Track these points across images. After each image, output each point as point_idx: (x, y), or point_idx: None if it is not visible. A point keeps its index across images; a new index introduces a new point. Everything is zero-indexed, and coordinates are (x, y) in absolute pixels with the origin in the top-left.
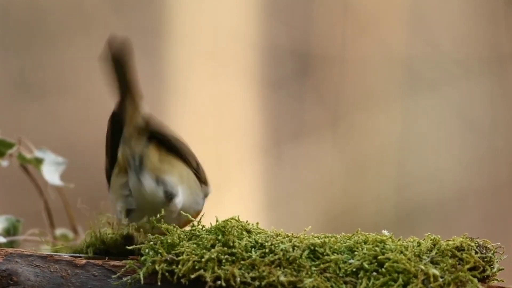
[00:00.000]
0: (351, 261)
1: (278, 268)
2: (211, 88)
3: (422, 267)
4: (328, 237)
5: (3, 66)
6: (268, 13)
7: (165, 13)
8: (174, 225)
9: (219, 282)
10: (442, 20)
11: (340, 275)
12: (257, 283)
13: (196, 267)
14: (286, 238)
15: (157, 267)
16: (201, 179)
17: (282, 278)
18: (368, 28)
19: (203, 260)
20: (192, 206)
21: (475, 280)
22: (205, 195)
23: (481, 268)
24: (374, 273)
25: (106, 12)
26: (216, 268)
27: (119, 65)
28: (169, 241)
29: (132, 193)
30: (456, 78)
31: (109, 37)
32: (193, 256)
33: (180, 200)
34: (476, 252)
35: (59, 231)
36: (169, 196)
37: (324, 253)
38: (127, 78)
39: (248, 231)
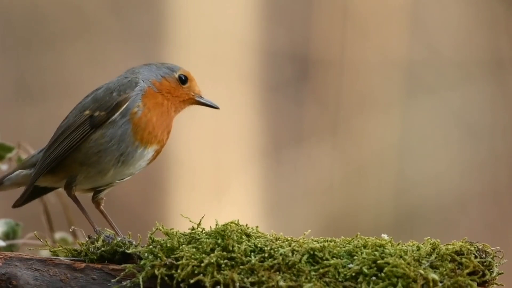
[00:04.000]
0: (350, 265)
1: (278, 272)
2: (211, 92)
3: (422, 271)
4: (327, 241)
5: (3, 69)
6: (268, 17)
7: (165, 17)
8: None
9: (218, 287)
10: (442, 24)
11: (340, 279)
12: None
13: (196, 271)
14: (286, 242)
15: (156, 272)
16: (104, 118)
17: (281, 283)
18: (367, 32)
19: (202, 264)
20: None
21: (475, 284)
22: None
23: (481, 273)
24: (374, 278)
25: (106, 15)
26: (215, 272)
27: None
28: (168, 245)
29: None
30: (455, 82)
31: None
32: (193, 260)
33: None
34: (476, 257)
35: (58, 235)
36: None
37: (324, 258)
38: None
39: (248, 235)
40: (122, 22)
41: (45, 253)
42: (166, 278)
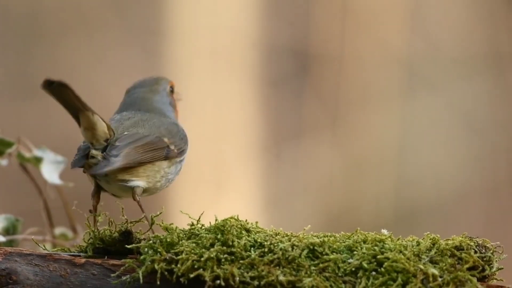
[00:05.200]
0: (350, 260)
1: (277, 267)
2: (211, 86)
3: (421, 266)
4: (327, 236)
5: (2, 65)
6: (268, 12)
7: (165, 11)
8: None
9: (218, 282)
10: (442, 19)
11: (339, 274)
12: (256, 282)
13: (195, 266)
14: (285, 237)
15: (156, 266)
16: (175, 155)
17: (281, 278)
18: (367, 27)
19: (202, 259)
20: (157, 188)
21: (474, 279)
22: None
23: (480, 268)
24: (373, 273)
25: (106, 11)
26: (215, 267)
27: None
28: (168, 240)
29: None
30: (455, 77)
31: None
32: (192, 255)
33: (140, 188)
34: (476, 252)
35: (58, 230)
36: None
37: (323, 253)
38: (75, 101)
39: (248, 230)
40: (122, 17)
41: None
42: (166, 272)
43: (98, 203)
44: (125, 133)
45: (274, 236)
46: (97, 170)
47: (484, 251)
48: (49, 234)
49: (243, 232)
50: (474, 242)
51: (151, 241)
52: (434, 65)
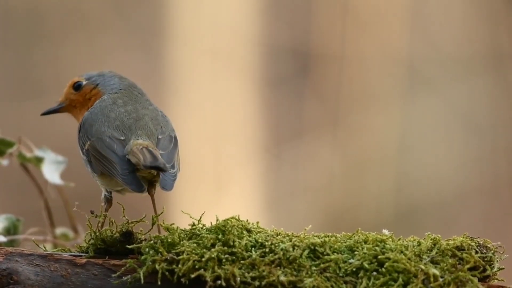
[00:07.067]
0: (351, 260)
1: (278, 267)
2: (211, 86)
3: (422, 266)
4: (328, 236)
5: (3, 65)
6: (269, 12)
7: (166, 11)
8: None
9: (219, 282)
10: (443, 19)
11: (340, 274)
12: (257, 283)
13: (196, 266)
14: (286, 238)
15: (157, 267)
16: None
17: (282, 278)
18: (368, 27)
19: (203, 259)
20: None
21: (475, 279)
22: None
23: (481, 268)
24: (374, 273)
25: (106, 11)
26: (216, 267)
27: None
28: (169, 240)
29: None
30: (456, 77)
31: None
32: (193, 255)
33: None
34: (477, 252)
35: (59, 230)
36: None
37: (324, 253)
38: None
39: (248, 230)
40: (122, 17)
41: (47, 248)
42: (167, 273)
43: (110, 206)
44: (159, 136)
45: (275, 236)
46: (169, 186)
47: (485, 251)
48: (50, 234)
49: (244, 232)
50: (475, 242)
51: (152, 241)
52: (434, 66)
